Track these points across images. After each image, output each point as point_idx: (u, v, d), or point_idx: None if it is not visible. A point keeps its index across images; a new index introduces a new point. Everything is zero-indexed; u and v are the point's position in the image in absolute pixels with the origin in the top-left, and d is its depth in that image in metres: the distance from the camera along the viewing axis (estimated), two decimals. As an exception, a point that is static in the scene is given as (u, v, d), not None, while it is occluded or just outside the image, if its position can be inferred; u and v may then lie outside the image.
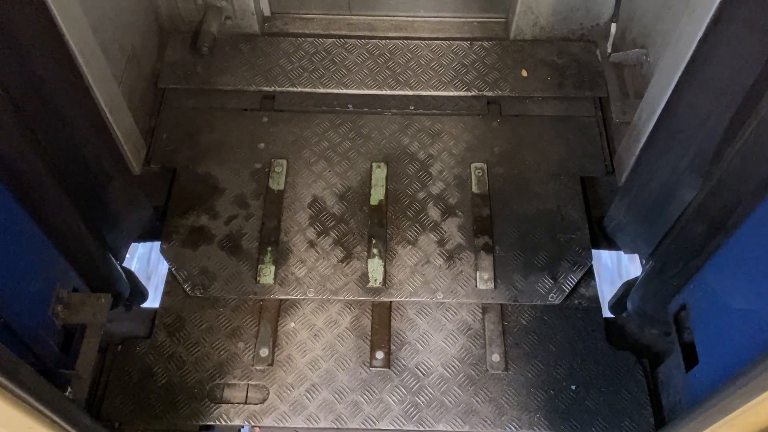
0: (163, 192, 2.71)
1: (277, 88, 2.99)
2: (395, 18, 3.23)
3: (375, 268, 2.53)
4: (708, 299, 1.95)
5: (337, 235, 2.61)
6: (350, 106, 2.97)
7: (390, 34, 3.18)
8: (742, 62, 1.67)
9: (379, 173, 2.76)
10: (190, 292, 2.49)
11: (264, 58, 3.07)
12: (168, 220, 2.64)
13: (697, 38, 1.95)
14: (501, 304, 2.48)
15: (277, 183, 2.73)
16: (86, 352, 1.96)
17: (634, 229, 2.39)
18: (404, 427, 2.27)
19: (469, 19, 3.22)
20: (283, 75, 3.02)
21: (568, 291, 2.49)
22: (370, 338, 2.42)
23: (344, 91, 2.99)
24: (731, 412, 1.41)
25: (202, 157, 2.79)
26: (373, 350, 2.39)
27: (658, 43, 2.63)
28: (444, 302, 2.49)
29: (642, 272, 2.40)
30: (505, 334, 2.43)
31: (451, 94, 2.99)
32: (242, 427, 2.32)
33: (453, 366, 2.37)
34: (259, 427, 2.29)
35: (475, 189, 2.72)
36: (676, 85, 2.06)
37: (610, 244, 2.62)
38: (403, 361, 2.38)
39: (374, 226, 2.63)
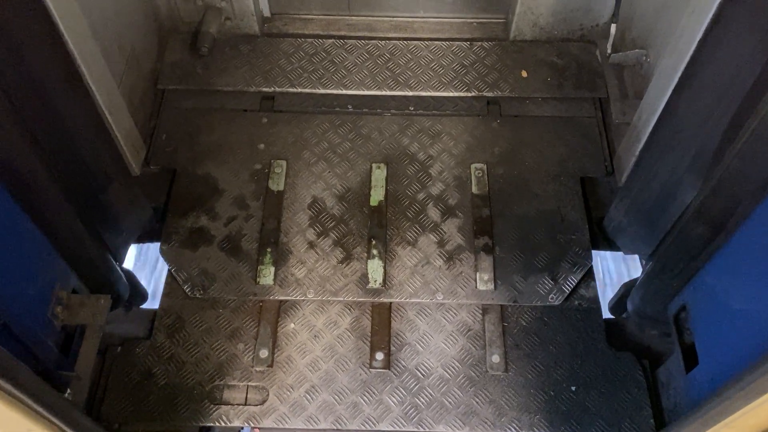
0: (163, 193, 2.71)
1: (277, 89, 2.98)
2: (395, 18, 3.23)
3: (375, 269, 2.53)
4: (708, 300, 1.95)
5: (336, 236, 2.61)
6: (350, 106, 2.97)
7: (390, 35, 3.18)
8: (742, 62, 1.67)
9: (379, 174, 2.76)
10: (189, 293, 2.49)
11: (264, 58, 3.07)
12: (167, 221, 2.64)
13: (697, 38, 1.95)
14: (501, 305, 2.48)
15: (276, 184, 2.73)
16: (86, 353, 1.96)
17: (634, 230, 2.38)
18: (404, 429, 2.27)
19: (468, 20, 3.22)
20: (283, 76, 3.02)
21: (568, 292, 2.49)
22: (369, 339, 2.41)
23: (344, 91, 2.99)
24: (732, 414, 1.41)
25: (201, 157, 2.79)
26: (372, 351, 2.39)
27: (657, 44, 2.62)
28: (444, 303, 2.48)
29: (642, 273, 2.40)
30: (505, 335, 2.42)
31: (450, 94, 2.98)
32: (242, 428, 2.32)
33: (453, 367, 2.37)
34: (258, 428, 2.28)
35: (475, 190, 2.72)
36: (676, 86, 2.06)
37: (610, 245, 2.62)
38: (403, 362, 2.38)
39: (374, 227, 2.62)
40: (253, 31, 3.14)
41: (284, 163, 2.78)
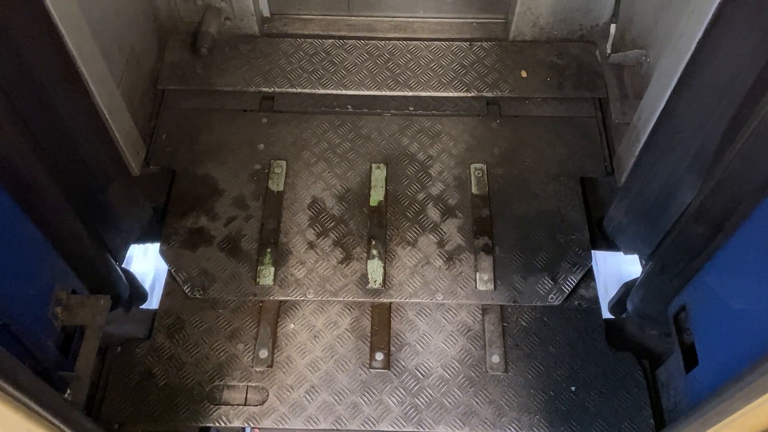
0: (163, 193, 2.71)
1: (277, 89, 2.98)
2: (395, 19, 3.22)
3: (375, 269, 2.53)
4: (708, 300, 1.95)
5: (336, 237, 2.61)
6: (350, 107, 2.97)
7: (389, 35, 3.18)
8: (742, 62, 1.67)
9: (379, 174, 2.76)
10: (189, 294, 2.48)
11: (263, 59, 3.07)
12: (167, 222, 2.64)
13: (697, 38, 1.94)
14: (501, 305, 2.48)
15: (276, 184, 2.73)
16: (85, 353, 1.96)
17: (634, 230, 2.38)
18: (404, 429, 2.27)
19: (468, 20, 3.22)
20: (283, 76, 3.02)
21: (567, 292, 2.49)
22: (369, 339, 2.41)
23: (344, 92, 2.99)
24: (731, 414, 1.40)
25: (201, 158, 2.79)
26: (372, 351, 2.39)
27: (657, 44, 2.62)
28: (444, 303, 2.48)
29: (642, 273, 2.40)
30: (505, 335, 2.42)
31: (450, 95, 2.98)
32: (242, 429, 2.32)
33: (453, 367, 2.37)
34: (258, 428, 2.28)
35: (474, 190, 2.72)
36: (676, 86, 2.06)
37: (610, 245, 2.62)
38: (402, 362, 2.38)
39: (374, 227, 2.62)
40: (252, 32, 3.14)
41: (284, 163, 2.78)
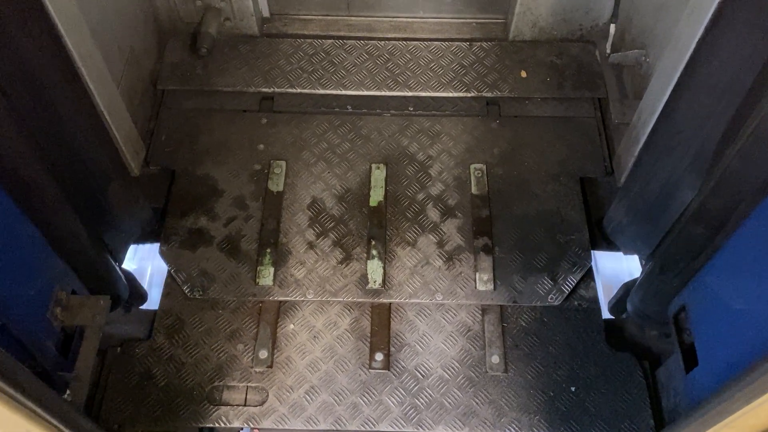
0: (162, 193, 2.71)
1: (276, 90, 2.98)
2: (394, 19, 3.22)
3: (374, 269, 2.53)
4: (708, 300, 1.94)
5: (336, 237, 2.61)
6: (349, 107, 2.97)
7: (389, 35, 3.18)
8: (741, 62, 1.67)
9: (379, 174, 2.76)
10: (189, 294, 2.48)
11: (263, 59, 3.07)
12: (167, 222, 2.64)
13: (697, 38, 1.94)
14: (500, 305, 2.47)
15: (276, 184, 2.73)
16: (85, 354, 1.95)
17: (634, 230, 2.38)
18: (404, 429, 2.27)
19: (468, 20, 3.22)
20: (282, 76, 3.02)
21: (567, 292, 2.49)
22: (369, 340, 2.41)
23: (343, 92, 2.99)
24: (731, 414, 1.40)
25: (201, 158, 2.79)
26: (372, 352, 2.38)
27: (657, 44, 2.62)
28: (443, 303, 2.48)
29: (641, 273, 2.40)
30: (505, 335, 2.42)
31: (450, 95, 2.98)
32: (242, 429, 2.31)
33: (452, 368, 2.37)
34: (258, 429, 2.28)
35: (474, 190, 2.72)
36: (676, 86, 2.06)
37: (610, 245, 2.62)
38: (402, 362, 2.38)
39: (373, 227, 2.62)
40: (252, 32, 3.14)
41: (284, 163, 2.78)
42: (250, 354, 2.38)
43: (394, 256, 2.57)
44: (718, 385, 1.52)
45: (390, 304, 2.48)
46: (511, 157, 2.81)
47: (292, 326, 2.45)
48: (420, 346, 2.41)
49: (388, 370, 2.36)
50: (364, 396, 2.32)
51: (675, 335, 2.13)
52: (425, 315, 2.47)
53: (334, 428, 2.27)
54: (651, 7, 2.67)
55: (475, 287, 2.50)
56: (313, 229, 2.63)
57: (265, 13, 3.20)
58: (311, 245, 2.59)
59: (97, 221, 2.22)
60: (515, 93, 2.98)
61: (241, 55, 3.08)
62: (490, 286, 2.49)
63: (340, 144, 2.85)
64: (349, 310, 2.48)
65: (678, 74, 2.05)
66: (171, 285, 2.52)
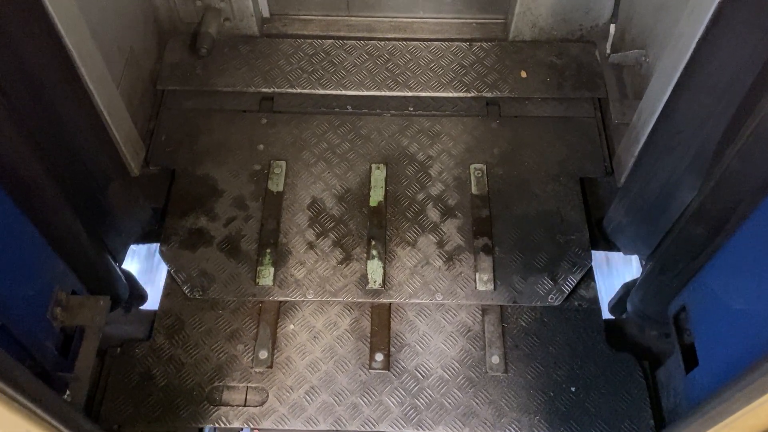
0: (162, 194, 2.71)
1: (276, 90, 2.98)
2: (394, 19, 3.22)
3: (374, 269, 2.53)
4: (708, 300, 1.94)
5: (336, 237, 2.61)
6: (349, 107, 2.97)
7: (389, 36, 3.18)
8: (741, 62, 1.67)
9: (379, 174, 2.76)
10: (189, 294, 2.48)
11: (263, 59, 3.07)
12: (167, 222, 2.64)
13: (697, 38, 1.94)
14: (500, 305, 2.47)
15: (276, 184, 2.73)
16: (85, 354, 1.95)
17: (634, 230, 2.38)
18: (403, 430, 2.27)
19: (468, 21, 3.22)
20: (282, 76, 3.02)
21: (567, 292, 2.49)
22: (369, 340, 2.41)
23: (343, 92, 2.99)
24: (731, 415, 1.40)
25: (201, 158, 2.79)
26: (372, 352, 2.38)
27: (657, 44, 2.62)
28: (443, 304, 2.48)
29: (641, 273, 2.40)
30: (505, 335, 2.42)
31: (450, 95, 2.98)
32: (242, 429, 2.31)
33: (452, 368, 2.37)
34: (258, 429, 2.28)
35: (474, 190, 2.72)
36: (676, 86, 2.05)
37: (610, 245, 2.62)
38: (402, 363, 2.38)
39: (373, 227, 2.62)
40: (252, 32, 3.14)
41: (283, 163, 2.78)
42: (250, 354, 2.38)
43: (394, 256, 2.57)
44: (718, 385, 1.52)
45: (390, 304, 2.48)
46: (511, 157, 2.81)
47: (292, 326, 2.45)
48: (420, 346, 2.41)
49: (388, 371, 2.36)
50: (364, 396, 2.32)
51: (675, 335, 2.13)
52: (425, 315, 2.47)
53: (334, 428, 2.27)
54: (651, 7, 2.67)
55: (475, 287, 2.49)
56: (313, 229, 2.63)
57: (265, 14, 3.20)
58: (311, 245, 2.59)
59: (96, 221, 2.22)
60: (515, 93, 2.98)
61: (241, 55, 3.08)
62: (490, 287, 2.49)
63: (340, 144, 2.84)
64: (349, 311, 2.48)
65: (678, 74, 2.05)
66: (171, 285, 2.52)
